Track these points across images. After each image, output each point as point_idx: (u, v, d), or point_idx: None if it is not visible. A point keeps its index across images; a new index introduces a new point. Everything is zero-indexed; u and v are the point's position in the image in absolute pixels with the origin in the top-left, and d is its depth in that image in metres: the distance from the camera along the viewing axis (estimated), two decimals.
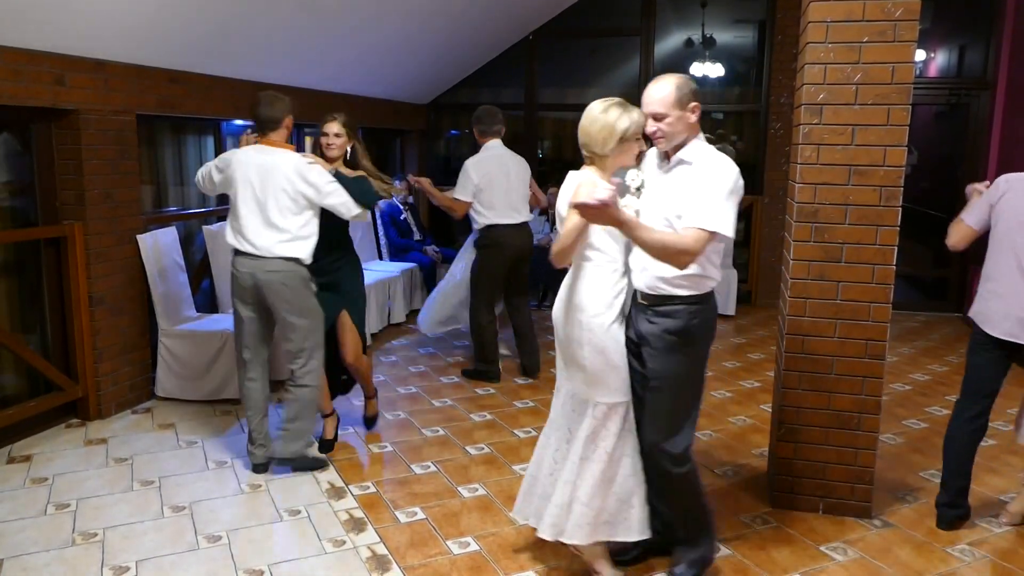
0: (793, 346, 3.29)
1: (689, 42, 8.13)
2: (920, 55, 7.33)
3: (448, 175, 8.93)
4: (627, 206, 2.59)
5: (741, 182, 2.51)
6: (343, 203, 3.56)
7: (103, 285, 4.31)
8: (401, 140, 8.45)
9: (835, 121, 3.11)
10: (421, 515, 3.33)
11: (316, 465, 3.78)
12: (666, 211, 2.54)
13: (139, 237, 4.52)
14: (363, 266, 6.81)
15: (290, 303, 3.55)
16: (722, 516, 3.35)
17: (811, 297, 3.24)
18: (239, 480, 3.64)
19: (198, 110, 4.93)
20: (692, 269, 2.50)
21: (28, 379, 4.25)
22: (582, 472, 2.70)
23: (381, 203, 7.41)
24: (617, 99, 2.63)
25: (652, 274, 2.58)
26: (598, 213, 2.27)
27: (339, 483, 3.62)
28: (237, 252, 3.58)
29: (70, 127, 4.09)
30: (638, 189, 2.71)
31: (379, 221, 7.36)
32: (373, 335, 6.12)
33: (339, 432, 4.12)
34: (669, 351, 2.59)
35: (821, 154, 3.14)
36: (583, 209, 2.28)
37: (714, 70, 8.08)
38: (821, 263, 3.20)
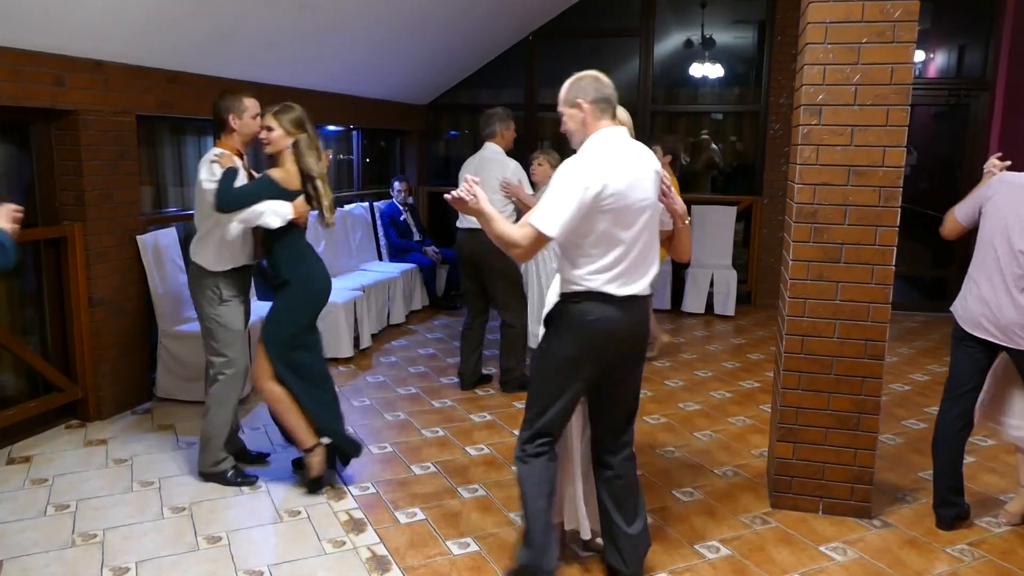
0: (792, 346, 3.29)
1: (689, 43, 8.14)
2: (919, 56, 7.33)
3: (448, 176, 8.96)
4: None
5: (584, 182, 2.38)
6: (210, 203, 3.32)
7: (103, 286, 4.31)
8: (401, 140, 8.45)
9: (834, 122, 3.11)
10: (421, 516, 3.33)
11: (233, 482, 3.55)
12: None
13: (139, 238, 4.52)
14: (363, 267, 6.89)
15: (197, 308, 3.54)
16: (721, 516, 3.35)
17: (810, 297, 3.24)
18: None
19: (197, 111, 4.92)
20: (560, 264, 2.58)
21: (28, 380, 4.25)
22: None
23: (380, 204, 7.42)
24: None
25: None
26: (460, 206, 2.46)
27: (339, 484, 3.62)
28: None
29: (69, 128, 4.09)
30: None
31: (379, 222, 7.37)
32: (373, 336, 6.12)
33: (339, 475, 3.66)
34: (542, 339, 2.67)
35: (820, 155, 3.14)
36: (453, 202, 2.49)
37: (714, 71, 8.08)
38: (820, 263, 3.20)
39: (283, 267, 3.43)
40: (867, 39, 3.03)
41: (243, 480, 3.58)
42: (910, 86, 3.04)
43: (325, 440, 3.52)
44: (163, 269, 4.67)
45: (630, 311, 2.53)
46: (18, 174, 4.18)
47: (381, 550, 3.04)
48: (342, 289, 5.92)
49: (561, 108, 2.57)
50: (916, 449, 4.11)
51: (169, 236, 4.80)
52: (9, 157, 4.16)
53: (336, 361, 5.56)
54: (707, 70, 8.08)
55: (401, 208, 7.39)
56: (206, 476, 3.59)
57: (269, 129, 3.39)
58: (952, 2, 7.32)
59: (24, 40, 3.65)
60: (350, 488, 3.58)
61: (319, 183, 3.43)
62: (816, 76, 3.11)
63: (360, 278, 6.34)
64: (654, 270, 2.59)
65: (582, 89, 2.52)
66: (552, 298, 2.71)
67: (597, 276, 2.48)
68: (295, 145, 3.40)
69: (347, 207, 6.99)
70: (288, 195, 3.34)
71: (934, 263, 7.76)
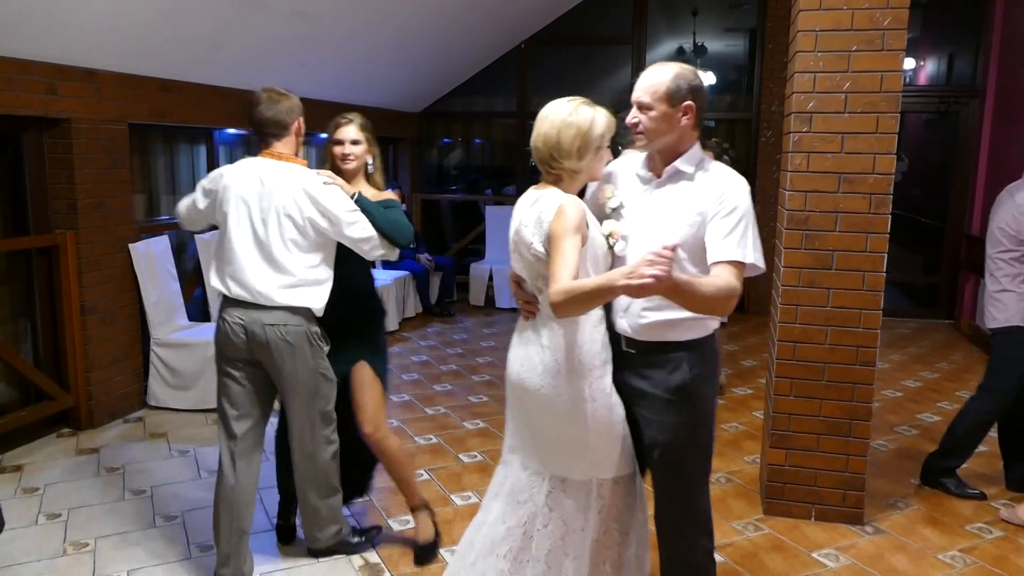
0: (784, 353, 3.31)
1: (680, 50, 8.18)
2: (909, 63, 7.39)
3: (441, 182, 8.98)
4: (614, 235, 2.15)
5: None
6: (367, 239, 2.71)
7: (95, 294, 4.30)
8: (394, 148, 8.46)
9: (825, 129, 3.14)
10: (414, 523, 3.32)
11: (357, 549, 3.08)
12: (655, 241, 1.94)
13: (131, 246, 4.51)
14: None
15: (290, 366, 2.69)
16: (715, 523, 3.34)
17: (802, 304, 3.25)
18: None
19: (190, 119, 4.93)
20: (686, 314, 2.06)
21: (19, 388, 4.23)
22: (602, 560, 2.28)
23: None
24: (581, 98, 2.15)
25: (633, 316, 2.13)
26: (652, 288, 1.76)
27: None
28: (227, 300, 2.73)
29: (62, 136, 4.09)
30: (615, 210, 2.20)
31: None
32: None
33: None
34: (671, 405, 2.13)
35: (811, 162, 3.16)
36: (639, 290, 1.78)
37: (705, 78, 8.08)
38: (812, 270, 3.22)
39: (372, 296, 3.02)
40: (857, 47, 3.06)
41: (363, 538, 3.13)
42: (900, 93, 3.07)
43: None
44: (155, 277, 4.66)
45: None
46: (10, 182, 4.17)
47: (374, 558, 3.03)
48: None
49: (652, 101, 2.07)
50: (908, 455, 4.13)
51: (162, 244, 4.79)
52: (1, 165, 4.15)
53: None
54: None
55: None
56: (330, 549, 3.03)
57: (356, 143, 2.92)
58: (941, 10, 7.39)
59: (16, 49, 3.65)
60: None
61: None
62: (806, 84, 3.13)
63: None
64: None
65: (697, 92, 2.08)
66: (604, 359, 2.17)
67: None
68: (374, 161, 3.00)
69: None
70: None
71: (925, 270, 7.80)
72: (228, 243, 2.68)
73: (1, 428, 3.91)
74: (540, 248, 2.06)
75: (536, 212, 2.09)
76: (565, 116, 2.09)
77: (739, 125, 7.96)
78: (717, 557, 3.05)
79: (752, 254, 2.03)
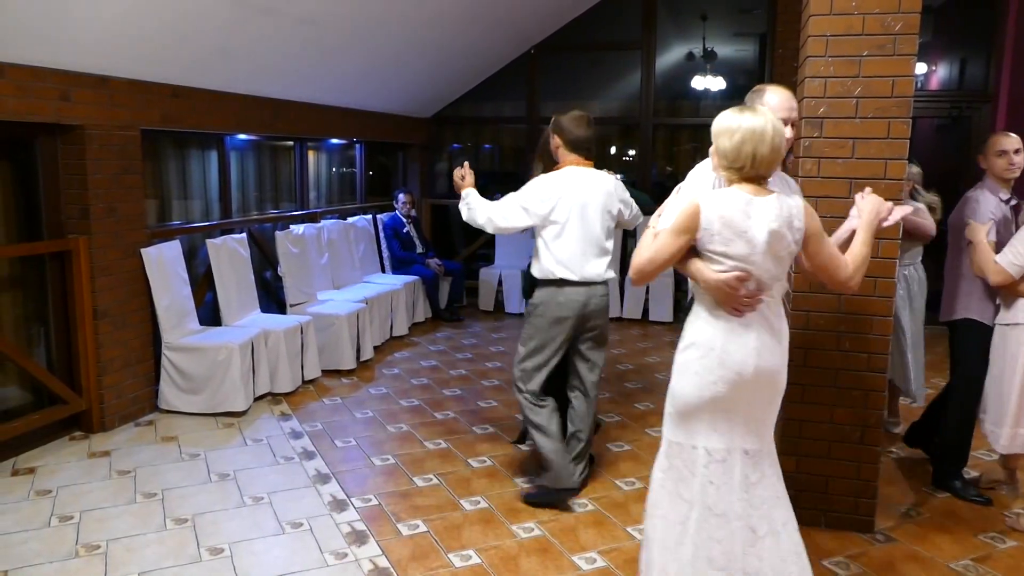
0: (795, 358, 3.29)
1: (690, 55, 8.18)
2: (921, 68, 7.36)
3: (450, 186, 8.99)
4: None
5: None
6: (636, 216, 3.69)
7: (107, 298, 4.33)
8: (404, 154, 8.49)
9: (836, 134, 3.13)
10: (423, 528, 3.33)
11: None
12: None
13: (143, 251, 4.54)
14: (366, 279, 6.93)
15: (602, 324, 3.59)
16: None
17: (813, 310, 3.24)
18: (241, 492, 3.64)
19: (201, 125, 4.96)
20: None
21: (32, 392, 4.26)
22: (794, 533, 2.43)
23: (383, 216, 7.46)
24: (756, 107, 2.31)
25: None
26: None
27: (341, 496, 3.62)
28: (567, 282, 3.47)
29: (75, 142, 4.12)
30: None
31: (382, 234, 7.39)
32: (375, 348, 6.13)
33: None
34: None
35: (822, 167, 3.15)
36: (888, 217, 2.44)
37: (715, 83, 8.11)
38: None
39: None
40: (868, 52, 3.05)
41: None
42: (911, 98, 3.06)
43: None
44: (167, 282, 4.69)
45: None
46: (24, 188, 4.21)
47: (383, 562, 3.04)
48: (345, 301, 5.94)
49: (796, 118, 2.60)
50: (920, 463, 4.09)
51: (173, 249, 4.82)
52: (15, 172, 4.19)
53: (339, 373, 5.57)
54: (709, 83, 8.12)
55: (404, 220, 7.41)
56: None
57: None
58: (953, 15, 7.36)
59: (30, 56, 3.69)
60: (352, 500, 3.58)
61: None
62: (817, 89, 3.12)
63: (363, 290, 6.36)
64: None
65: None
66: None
67: None
68: None
69: (350, 219, 7.02)
70: None
71: (938, 276, 7.74)
72: (568, 238, 3.49)
73: (14, 431, 3.94)
74: (795, 247, 2.30)
75: (787, 215, 2.25)
76: (768, 127, 2.22)
77: None
78: None
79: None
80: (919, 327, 4.36)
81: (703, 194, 2.29)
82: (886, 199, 3.07)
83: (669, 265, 2.33)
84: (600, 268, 3.51)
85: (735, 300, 2.27)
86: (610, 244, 3.57)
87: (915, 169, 4.40)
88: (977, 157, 3.65)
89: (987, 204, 3.48)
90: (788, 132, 2.49)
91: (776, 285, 2.33)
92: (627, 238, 7.33)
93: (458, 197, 3.85)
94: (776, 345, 2.35)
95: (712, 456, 2.34)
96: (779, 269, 2.31)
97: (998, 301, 3.50)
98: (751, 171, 2.24)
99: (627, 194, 3.65)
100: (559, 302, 3.47)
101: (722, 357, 2.30)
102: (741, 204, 2.23)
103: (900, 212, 2.49)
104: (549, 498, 3.52)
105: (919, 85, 7.26)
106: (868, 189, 2.50)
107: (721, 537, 2.33)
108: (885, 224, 2.45)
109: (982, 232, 3.40)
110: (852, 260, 2.35)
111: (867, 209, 2.44)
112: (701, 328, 2.35)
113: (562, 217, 3.45)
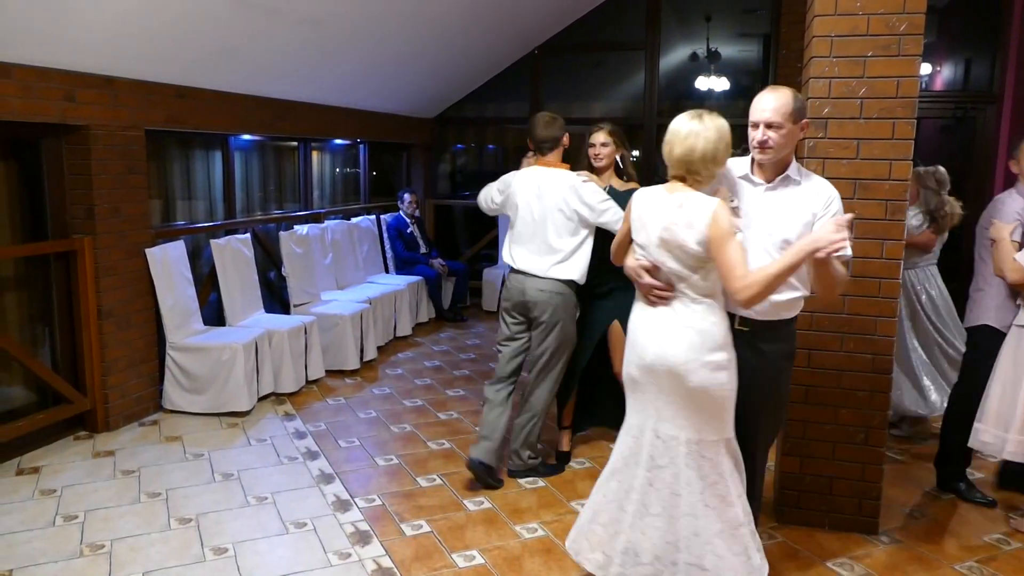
0: (799, 360, 3.28)
1: (694, 56, 8.16)
2: (926, 68, 7.34)
3: (454, 187, 9.00)
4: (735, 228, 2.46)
5: None
6: (618, 220, 3.43)
7: (112, 298, 4.34)
8: (407, 154, 8.49)
9: (840, 135, 3.12)
10: (427, 528, 3.33)
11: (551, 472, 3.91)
12: (773, 234, 2.52)
13: (147, 251, 4.55)
14: (369, 279, 6.93)
15: (554, 326, 3.62)
16: None
17: (817, 311, 3.24)
18: (245, 492, 3.64)
19: (205, 125, 4.97)
20: (801, 291, 2.55)
21: (37, 391, 4.27)
22: (698, 528, 2.46)
23: (387, 217, 7.46)
24: (705, 111, 2.44)
25: (771, 297, 2.43)
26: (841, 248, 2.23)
27: (344, 496, 3.62)
28: (512, 269, 3.74)
29: (80, 143, 4.13)
30: (734, 208, 2.55)
31: (385, 235, 7.40)
32: (379, 348, 6.13)
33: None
34: (780, 373, 2.65)
35: (826, 168, 3.15)
36: (823, 254, 2.24)
37: (719, 84, 8.10)
38: None
39: (612, 276, 3.55)
40: (873, 52, 3.05)
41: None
42: (916, 99, 3.05)
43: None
44: (171, 282, 4.70)
45: None
46: (29, 188, 4.22)
47: (387, 562, 3.04)
48: (349, 301, 5.94)
49: (783, 120, 2.44)
50: (924, 465, 4.09)
51: (177, 249, 4.83)
52: (20, 172, 4.20)
53: (342, 373, 5.57)
54: (712, 83, 8.10)
55: (408, 221, 7.42)
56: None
57: (604, 145, 3.74)
58: (958, 15, 7.34)
59: (35, 57, 3.70)
60: (356, 500, 3.58)
61: None
62: (822, 89, 3.12)
63: (367, 291, 6.36)
64: None
65: (806, 111, 2.51)
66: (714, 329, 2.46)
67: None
68: (623, 159, 3.78)
69: (354, 220, 7.03)
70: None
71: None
72: (515, 232, 3.72)
73: (19, 431, 3.95)
74: (696, 248, 2.37)
75: (687, 215, 2.38)
76: (717, 131, 2.38)
77: None
78: None
79: (851, 251, 2.34)
80: (923, 336, 4.36)
81: (643, 188, 2.60)
82: (890, 200, 3.09)
83: (624, 248, 2.66)
84: (542, 264, 3.62)
85: (643, 288, 2.53)
86: (563, 243, 3.59)
87: (942, 169, 4.44)
88: (1008, 162, 3.62)
89: (1013, 205, 3.41)
90: (758, 134, 2.47)
91: (692, 283, 2.43)
92: None
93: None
94: (685, 341, 2.43)
95: (629, 430, 2.61)
96: (681, 267, 2.43)
97: (1019, 301, 3.40)
98: (671, 169, 2.46)
99: (595, 197, 3.54)
100: (507, 287, 3.79)
101: (633, 340, 2.58)
102: (653, 198, 2.49)
103: (834, 251, 2.25)
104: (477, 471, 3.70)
105: (924, 86, 7.24)
106: (848, 216, 2.32)
107: (613, 499, 2.60)
108: (818, 255, 2.27)
109: (1006, 231, 3.35)
110: (754, 275, 2.30)
111: (811, 236, 2.32)
112: (633, 312, 2.63)
113: (511, 211, 3.75)
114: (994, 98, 6.92)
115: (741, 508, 2.49)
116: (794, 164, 2.57)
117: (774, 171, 2.58)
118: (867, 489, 3.29)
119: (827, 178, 3.11)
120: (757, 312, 2.51)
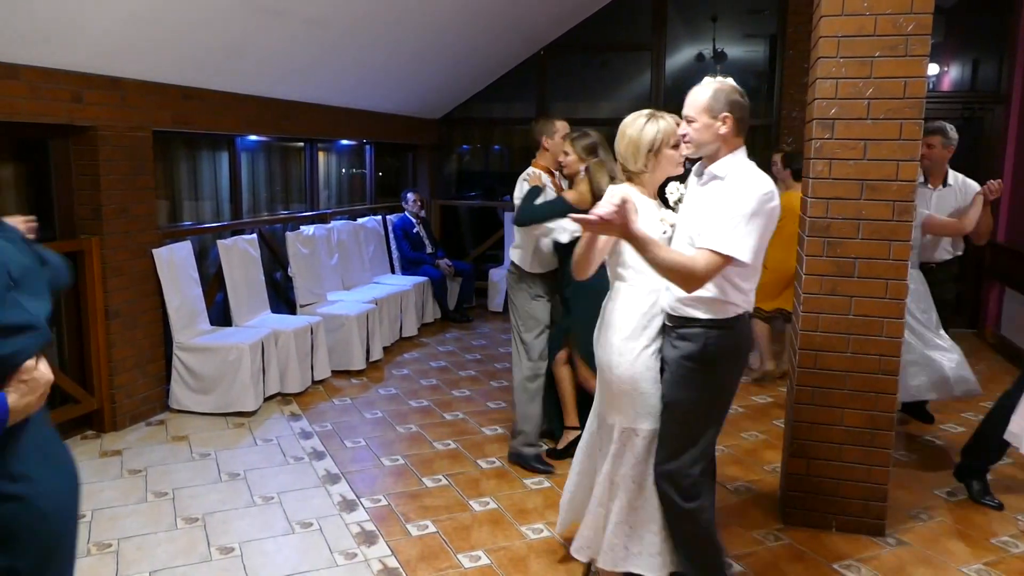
0: (806, 361, 3.28)
1: (700, 56, 8.15)
2: (933, 69, 7.31)
3: (460, 187, 9.00)
4: (664, 220, 2.56)
5: (772, 203, 2.31)
6: (519, 219, 3.86)
7: (119, 298, 4.36)
8: (413, 154, 8.50)
9: (847, 135, 3.11)
10: (432, 528, 3.33)
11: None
12: (690, 228, 2.42)
13: (154, 251, 4.56)
14: (375, 280, 6.93)
15: (513, 305, 4.03)
16: (734, 532, 3.33)
17: (824, 312, 3.23)
18: (251, 492, 3.65)
19: (212, 126, 4.99)
20: (710, 292, 2.36)
21: None
22: (612, 496, 2.63)
23: (393, 217, 7.47)
24: (648, 111, 2.60)
25: (672, 294, 2.46)
26: (603, 227, 2.22)
27: (351, 496, 3.63)
28: None
29: (87, 143, 4.15)
30: (677, 202, 2.60)
31: (391, 235, 7.41)
32: (385, 348, 6.14)
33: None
34: (684, 377, 2.45)
35: (833, 168, 3.14)
36: (584, 224, 2.23)
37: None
38: (834, 278, 3.19)
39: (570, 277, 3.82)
40: (880, 52, 3.04)
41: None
42: (924, 99, 3.04)
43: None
44: (178, 282, 4.71)
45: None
46: (36, 189, 4.24)
47: (392, 563, 3.04)
48: (355, 302, 5.95)
49: (696, 115, 2.39)
50: (931, 466, 4.07)
51: (184, 249, 4.84)
52: (28, 172, 4.22)
53: (348, 373, 5.58)
54: None
55: (414, 221, 7.42)
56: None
57: (566, 154, 3.77)
58: (966, 15, 7.30)
59: (42, 58, 3.71)
60: (362, 500, 3.58)
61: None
62: (829, 90, 3.11)
63: (373, 291, 6.37)
64: None
65: (732, 104, 2.37)
66: (641, 325, 2.56)
67: (752, 295, 2.47)
68: (587, 169, 3.67)
69: (360, 220, 7.04)
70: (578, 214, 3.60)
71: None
72: None
73: None
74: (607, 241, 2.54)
75: (603, 202, 2.50)
76: (625, 128, 2.60)
77: (759, 131, 7.91)
78: (736, 566, 3.04)
79: (734, 247, 2.24)
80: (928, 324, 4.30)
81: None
82: (897, 201, 3.08)
83: (585, 261, 2.66)
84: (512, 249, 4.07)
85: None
86: (516, 231, 3.97)
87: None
88: None
89: None
90: (680, 128, 2.50)
91: (615, 274, 2.63)
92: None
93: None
94: (600, 335, 2.66)
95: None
96: (608, 258, 2.62)
97: None
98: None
99: (517, 192, 3.93)
100: None
101: None
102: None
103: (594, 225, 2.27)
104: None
105: (931, 86, 7.22)
106: (610, 211, 2.19)
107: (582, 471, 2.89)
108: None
109: None
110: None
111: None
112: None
113: None
114: (1002, 98, 6.90)
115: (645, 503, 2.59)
116: (726, 160, 2.40)
117: (705, 166, 2.48)
118: (874, 491, 3.28)
119: (834, 179, 3.13)
120: (670, 307, 2.49)
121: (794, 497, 3.38)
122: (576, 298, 3.77)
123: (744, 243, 2.25)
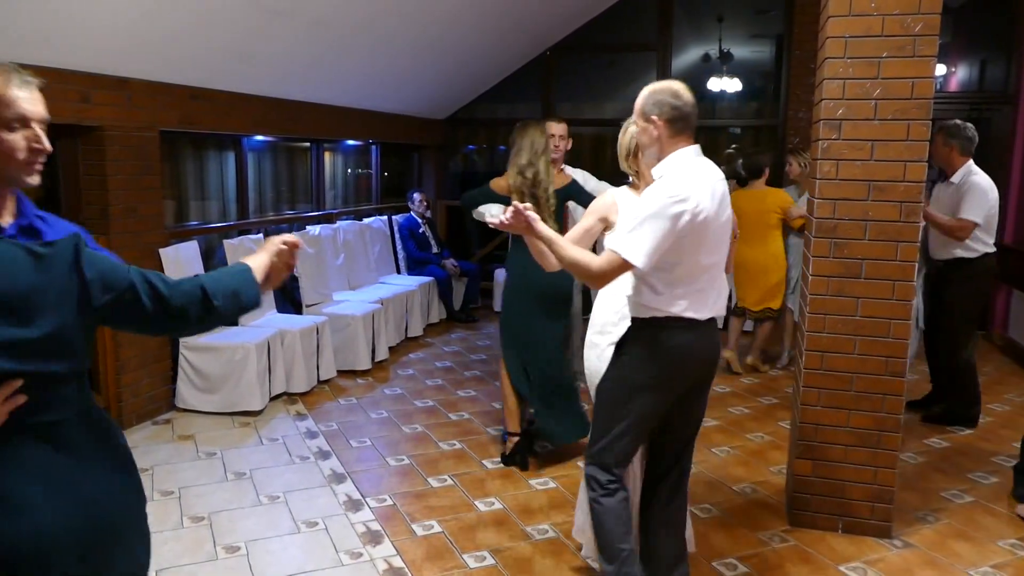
0: (812, 362, 3.27)
1: (706, 57, 8.14)
2: (940, 69, 7.29)
3: (465, 187, 9.00)
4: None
5: (677, 208, 2.23)
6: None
7: None
8: (419, 155, 8.51)
9: (854, 136, 3.10)
10: (438, 528, 3.33)
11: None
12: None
13: (161, 251, 4.58)
14: (381, 280, 6.94)
15: None
16: (739, 533, 3.33)
17: (830, 313, 3.22)
18: (257, 491, 3.66)
19: (218, 126, 5.00)
20: (628, 290, 2.47)
21: None
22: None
23: (399, 217, 7.48)
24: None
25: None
26: (507, 228, 2.39)
27: (356, 496, 3.63)
28: None
29: (95, 143, 4.16)
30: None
31: (397, 235, 7.41)
32: (390, 348, 6.14)
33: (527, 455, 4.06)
34: (610, 363, 2.56)
35: (840, 169, 3.13)
36: (501, 227, 2.41)
37: (731, 85, 8.07)
38: (840, 279, 3.18)
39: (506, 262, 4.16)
40: (887, 53, 3.03)
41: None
42: (931, 100, 3.02)
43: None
44: None
45: (710, 335, 2.45)
46: (44, 188, 4.25)
47: (398, 562, 3.05)
48: (360, 302, 5.96)
49: (635, 119, 2.47)
50: (938, 468, 4.06)
51: (191, 249, 4.86)
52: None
53: (354, 373, 5.59)
54: (725, 84, 8.08)
55: (420, 221, 7.43)
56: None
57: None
58: (973, 16, 7.28)
59: (51, 58, 3.73)
60: (367, 500, 3.59)
61: (539, 191, 3.90)
62: (836, 90, 3.10)
63: (379, 291, 6.38)
64: (726, 289, 2.51)
65: (657, 105, 2.36)
66: (611, 322, 2.78)
67: (681, 301, 2.36)
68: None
69: (366, 220, 7.05)
70: (503, 200, 3.89)
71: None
72: None
73: None
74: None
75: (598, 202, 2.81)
76: (624, 134, 2.77)
77: (765, 132, 7.90)
78: (741, 567, 3.03)
79: (627, 249, 2.24)
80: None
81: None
82: (904, 202, 3.07)
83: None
84: None
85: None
86: None
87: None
88: None
89: None
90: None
91: None
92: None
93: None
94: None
95: None
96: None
97: None
98: None
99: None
100: None
101: None
102: None
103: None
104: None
105: (938, 87, 7.19)
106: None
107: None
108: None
109: None
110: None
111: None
112: None
113: None
114: (1009, 99, 6.87)
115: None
116: (664, 162, 2.38)
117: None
118: (880, 492, 3.27)
119: (840, 180, 3.12)
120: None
121: (800, 498, 3.37)
122: (507, 300, 4.13)
123: (636, 246, 2.23)
